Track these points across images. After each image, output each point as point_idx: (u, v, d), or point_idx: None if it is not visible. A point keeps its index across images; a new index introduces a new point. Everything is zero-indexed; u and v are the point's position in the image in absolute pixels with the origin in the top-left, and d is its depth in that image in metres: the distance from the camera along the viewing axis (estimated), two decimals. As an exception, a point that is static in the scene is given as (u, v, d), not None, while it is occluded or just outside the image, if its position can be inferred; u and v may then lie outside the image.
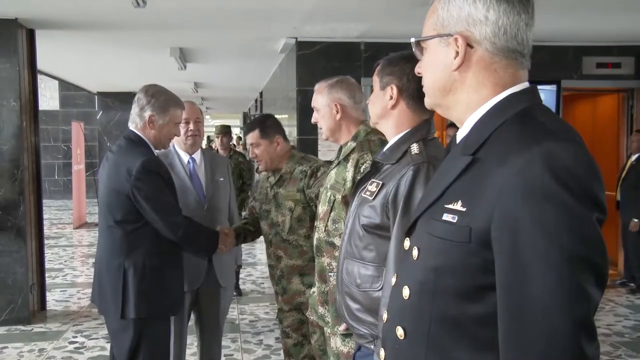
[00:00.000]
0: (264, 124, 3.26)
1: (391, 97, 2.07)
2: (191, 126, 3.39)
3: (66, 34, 6.25)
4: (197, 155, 3.51)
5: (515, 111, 1.15)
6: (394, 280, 1.33)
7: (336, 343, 2.45)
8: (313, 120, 2.86)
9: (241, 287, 6.94)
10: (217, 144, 7.57)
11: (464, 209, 1.10)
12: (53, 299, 6.61)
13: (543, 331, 0.99)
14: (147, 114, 2.90)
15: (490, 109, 1.18)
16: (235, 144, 20.76)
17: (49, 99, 16.91)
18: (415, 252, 1.23)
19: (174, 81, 10.35)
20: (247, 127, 3.37)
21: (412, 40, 1.29)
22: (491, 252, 1.06)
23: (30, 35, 5.90)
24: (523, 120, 1.13)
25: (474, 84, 1.19)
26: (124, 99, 12.96)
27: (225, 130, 7.53)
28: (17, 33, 5.57)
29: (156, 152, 3.01)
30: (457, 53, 1.18)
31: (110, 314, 2.88)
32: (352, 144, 2.59)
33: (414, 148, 1.99)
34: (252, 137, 3.25)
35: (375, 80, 2.13)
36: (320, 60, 6.67)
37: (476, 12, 1.15)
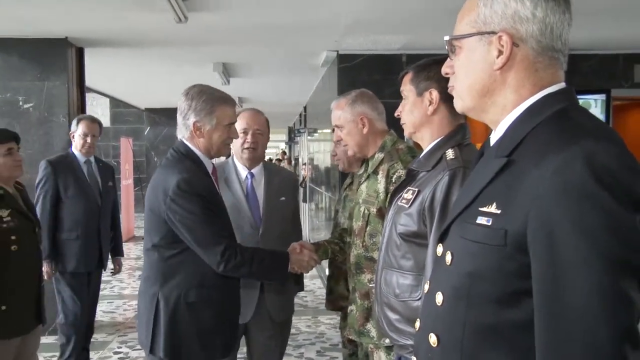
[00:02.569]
0: None
1: (431, 102, 2.02)
2: (249, 137, 2.99)
3: (113, 51, 6.42)
4: (257, 170, 3.11)
5: (552, 111, 1.11)
6: (426, 287, 1.29)
7: (380, 357, 2.41)
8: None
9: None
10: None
11: (499, 212, 1.06)
12: (100, 310, 6.72)
13: (583, 341, 0.93)
14: (191, 120, 2.49)
15: (526, 109, 1.14)
16: (281, 158, 20.94)
17: (100, 115, 17.34)
18: (448, 257, 1.19)
19: (218, 96, 10.50)
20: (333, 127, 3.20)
21: (446, 38, 1.24)
22: (527, 255, 1.02)
23: (80, 54, 6.08)
24: (560, 120, 1.09)
25: (513, 85, 1.15)
26: (170, 115, 13.15)
27: None
28: (66, 51, 5.75)
29: (214, 161, 2.68)
30: (500, 52, 1.14)
31: (142, 345, 2.55)
32: (380, 155, 2.56)
33: (450, 153, 1.95)
34: (337, 133, 3.07)
35: (409, 89, 2.09)
36: (361, 73, 6.64)
37: (523, 9, 1.12)
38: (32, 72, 5.64)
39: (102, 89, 10.25)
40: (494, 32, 1.14)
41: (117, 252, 4.78)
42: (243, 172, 3.08)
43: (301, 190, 13.61)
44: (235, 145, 3.00)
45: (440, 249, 1.24)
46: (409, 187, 2.04)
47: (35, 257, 3.18)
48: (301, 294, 7.44)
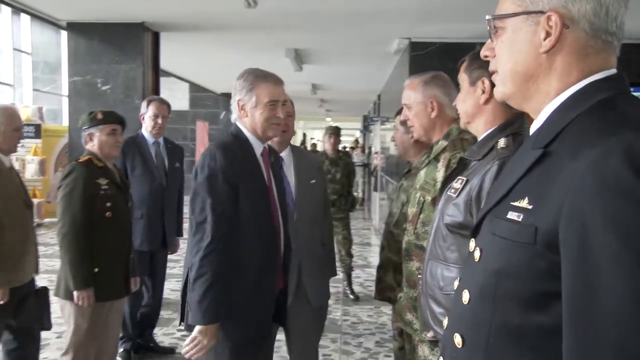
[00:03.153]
0: None
1: (483, 91, 1.94)
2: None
3: (187, 36, 6.56)
4: (286, 154, 3.01)
5: (595, 100, 1.01)
6: (456, 283, 1.23)
7: (424, 351, 2.34)
8: (402, 118, 2.74)
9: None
10: (326, 144, 7.45)
11: (530, 207, 0.99)
12: (168, 288, 6.93)
13: (613, 349, 0.85)
14: (236, 99, 2.47)
15: (568, 97, 1.05)
16: (353, 146, 20.88)
17: (180, 99, 17.88)
18: (477, 254, 1.12)
19: (291, 83, 10.54)
20: (397, 111, 3.12)
21: (488, 17, 1.14)
22: (558, 255, 0.94)
23: (155, 38, 6.24)
24: (602, 109, 0.99)
25: (559, 70, 1.05)
26: (245, 100, 13.43)
27: (337, 132, 7.53)
28: (143, 36, 5.92)
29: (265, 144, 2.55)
30: (548, 33, 1.04)
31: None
32: (444, 143, 2.46)
33: (501, 142, 1.86)
34: (397, 119, 3.09)
35: (463, 77, 2.00)
36: (434, 62, 6.48)
37: None
38: (110, 56, 5.84)
39: (181, 74, 10.54)
40: (542, 12, 1.04)
41: (177, 233, 4.89)
42: None
43: (372, 179, 13.54)
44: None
45: (472, 244, 1.17)
46: (459, 177, 1.96)
47: (127, 228, 3.42)
48: (366, 283, 7.43)
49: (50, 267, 7.81)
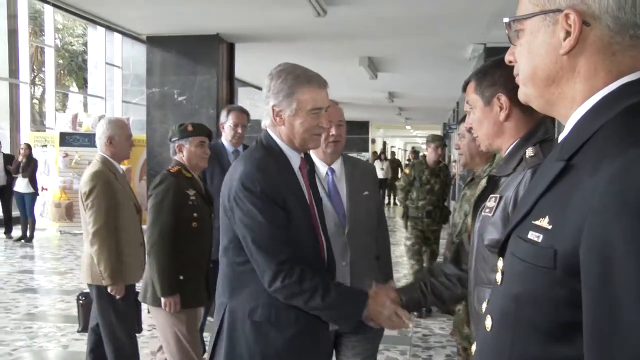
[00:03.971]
0: None
1: (501, 108, 1.80)
2: (333, 130, 2.65)
3: (261, 46, 6.66)
4: (337, 165, 2.79)
5: (625, 105, 0.89)
6: (484, 306, 1.13)
7: None
8: (467, 125, 2.64)
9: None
10: (430, 154, 6.63)
11: (550, 227, 0.88)
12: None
13: None
14: (270, 104, 2.06)
15: (596, 103, 0.94)
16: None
17: (261, 109, 18.21)
18: (499, 276, 1.03)
19: (366, 91, 10.55)
20: (461, 118, 3.00)
21: (506, 20, 1.04)
22: (579, 282, 0.83)
23: (230, 49, 6.37)
24: (631, 116, 0.88)
25: (583, 72, 0.95)
26: (323, 109, 13.49)
27: (443, 142, 7.10)
28: (218, 47, 6.05)
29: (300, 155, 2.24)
30: (568, 33, 0.93)
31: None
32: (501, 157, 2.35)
33: (529, 151, 1.73)
34: (461, 128, 2.95)
35: (474, 99, 1.86)
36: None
37: None
38: (187, 67, 6.01)
39: (259, 84, 10.72)
40: (559, 10, 0.94)
41: None
42: (322, 168, 2.76)
43: (451, 187, 13.24)
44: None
45: (500, 264, 1.07)
46: (491, 195, 1.84)
47: (209, 238, 3.50)
48: (440, 294, 7.23)
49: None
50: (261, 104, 2.13)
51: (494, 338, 1.01)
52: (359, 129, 19.48)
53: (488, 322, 1.03)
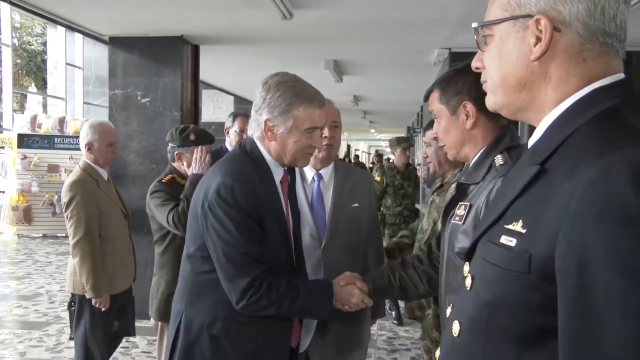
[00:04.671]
0: None
1: (468, 116, 1.80)
2: (325, 131, 2.44)
3: (227, 49, 6.59)
4: (327, 172, 2.55)
5: (599, 110, 0.90)
6: (448, 311, 1.12)
7: None
8: (434, 132, 2.65)
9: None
10: (399, 157, 6.66)
11: (524, 231, 0.88)
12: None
13: None
14: (263, 117, 1.97)
15: (568, 107, 0.94)
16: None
17: (225, 111, 18.05)
18: (468, 281, 1.01)
19: (332, 94, 10.48)
20: (427, 125, 3.00)
21: (475, 25, 1.04)
22: (555, 287, 0.83)
23: (195, 51, 6.29)
24: (605, 120, 0.88)
25: (555, 78, 0.95)
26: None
27: (411, 144, 6.95)
28: (182, 49, 5.96)
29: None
30: (539, 38, 0.94)
31: None
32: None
33: (499, 159, 1.73)
34: (428, 134, 2.92)
35: (439, 108, 1.85)
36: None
37: None
38: (150, 69, 5.91)
39: (223, 86, 10.63)
40: (529, 15, 0.94)
41: None
42: (309, 173, 2.54)
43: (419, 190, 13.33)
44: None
45: (466, 268, 1.06)
46: (460, 203, 1.84)
47: None
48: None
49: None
50: (252, 112, 2.05)
51: (462, 344, 1.00)
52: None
53: (456, 327, 1.02)
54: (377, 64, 7.99)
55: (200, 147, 3.32)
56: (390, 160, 7.58)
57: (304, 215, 2.44)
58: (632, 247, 0.74)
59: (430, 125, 2.91)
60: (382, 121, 21.69)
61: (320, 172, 2.55)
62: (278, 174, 2.06)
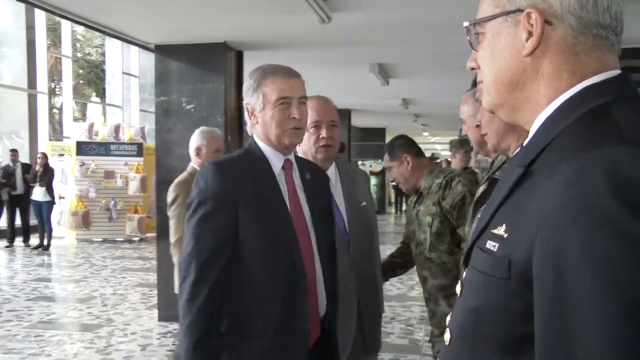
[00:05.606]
0: (392, 146, 3.04)
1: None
2: (323, 132, 2.39)
3: (269, 54, 6.65)
4: (331, 172, 2.46)
5: (588, 108, 0.85)
6: (448, 319, 1.09)
7: None
8: (463, 133, 2.61)
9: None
10: (457, 160, 6.46)
11: (506, 235, 0.85)
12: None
13: None
14: (244, 103, 1.99)
15: (559, 106, 0.89)
16: (450, 160, 20.40)
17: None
18: (459, 288, 0.99)
19: (379, 98, 10.50)
20: (384, 151, 3.09)
21: (466, 24, 1.00)
22: (533, 293, 0.79)
23: (239, 56, 6.38)
24: (593, 118, 0.84)
25: (547, 75, 0.91)
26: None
27: (470, 147, 6.84)
28: (225, 55, 6.06)
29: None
30: (530, 33, 0.90)
31: None
32: (503, 158, 2.30)
33: None
34: (385, 161, 3.05)
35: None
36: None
37: None
38: (194, 76, 6.02)
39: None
40: (520, 10, 0.90)
41: None
42: None
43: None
44: (305, 144, 2.40)
45: (463, 275, 1.03)
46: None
47: None
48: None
49: (144, 280, 8.15)
50: None
51: (453, 352, 0.97)
52: (375, 135, 19.39)
53: (447, 336, 0.99)
54: (424, 67, 7.91)
55: None
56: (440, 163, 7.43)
57: None
58: (609, 248, 0.70)
59: (383, 152, 3.06)
60: (435, 124, 21.41)
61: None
62: (277, 163, 1.98)
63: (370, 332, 2.55)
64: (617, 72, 0.90)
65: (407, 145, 3.06)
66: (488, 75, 0.98)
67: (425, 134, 26.09)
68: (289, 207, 1.93)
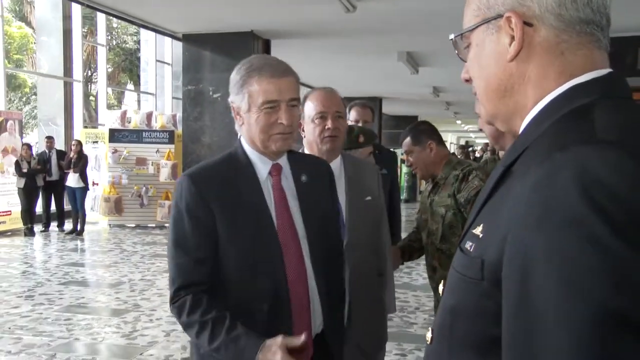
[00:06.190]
0: (416, 130, 2.99)
1: None
2: (329, 123, 2.29)
3: (296, 42, 6.66)
4: (336, 165, 2.36)
5: (571, 108, 0.83)
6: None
7: None
8: (479, 127, 2.57)
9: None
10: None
11: (481, 235, 0.84)
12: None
13: None
14: (230, 100, 1.76)
15: (544, 106, 0.87)
16: (484, 149, 20.12)
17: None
18: (441, 287, 0.99)
19: (410, 86, 10.41)
20: (402, 135, 3.04)
21: (452, 36, 0.99)
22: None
23: (266, 45, 6.39)
24: (573, 118, 0.82)
25: (534, 77, 0.88)
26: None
27: None
28: (252, 43, 6.08)
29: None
30: (513, 37, 0.88)
31: None
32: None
33: None
34: (405, 144, 2.98)
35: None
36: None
37: None
38: (221, 64, 6.05)
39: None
40: (500, 15, 0.88)
41: None
42: None
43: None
44: (310, 135, 2.32)
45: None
46: None
47: None
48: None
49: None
50: None
51: (433, 352, 0.97)
52: (407, 123, 18.99)
53: (428, 335, 0.99)
54: (454, 55, 7.79)
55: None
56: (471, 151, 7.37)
57: None
58: (575, 251, 0.69)
59: (405, 135, 2.96)
60: (467, 112, 21.16)
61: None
62: (263, 169, 1.76)
63: (360, 330, 2.31)
64: (607, 71, 0.87)
65: (431, 132, 3.00)
66: (480, 84, 0.96)
67: (459, 122, 25.83)
68: (274, 219, 1.72)
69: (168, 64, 16.71)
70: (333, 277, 1.85)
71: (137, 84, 21.49)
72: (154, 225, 12.07)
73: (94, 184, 11.86)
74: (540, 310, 0.71)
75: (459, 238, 2.91)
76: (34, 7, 16.44)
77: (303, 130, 2.31)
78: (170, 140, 11.81)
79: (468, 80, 1.02)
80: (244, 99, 1.68)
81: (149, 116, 12.20)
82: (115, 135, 11.89)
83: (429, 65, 8.47)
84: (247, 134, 1.72)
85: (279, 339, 1.60)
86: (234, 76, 1.72)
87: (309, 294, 1.75)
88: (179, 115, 12.37)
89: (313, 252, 1.78)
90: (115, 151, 11.82)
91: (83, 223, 10.87)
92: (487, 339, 0.83)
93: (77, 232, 10.78)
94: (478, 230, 0.85)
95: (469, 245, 0.87)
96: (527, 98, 0.90)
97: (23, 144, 10.93)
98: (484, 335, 0.83)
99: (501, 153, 2.92)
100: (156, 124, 12.13)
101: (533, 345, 0.72)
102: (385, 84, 10.51)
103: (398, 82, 8.78)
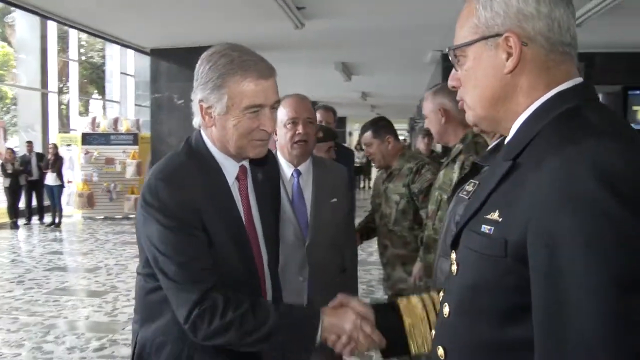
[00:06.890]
0: (377, 125, 3.00)
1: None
2: (299, 128, 2.09)
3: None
4: (305, 167, 2.18)
5: (561, 110, 0.87)
6: (441, 295, 1.06)
7: None
8: (425, 126, 2.58)
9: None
10: (420, 145, 6.00)
11: (500, 219, 0.85)
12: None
13: None
14: (197, 98, 1.34)
15: (535, 109, 0.91)
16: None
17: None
18: (454, 267, 0.97)
19: (343, 91, 10.45)
20: (362, 129, 3.02)
21: (448, 49, 0.99)
22: (527, 268, 0.79)
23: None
24: (567, 118, 0.86)
25: (525, 88, 0.91)
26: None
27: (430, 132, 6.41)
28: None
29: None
30: (510, 54, 0.90)
31: None
32: (460, 146, 2.28)
33: None
34: (366, 137, 2.97)
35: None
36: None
37: (526, 7, 0.89)
38: (184, 75, 5.87)
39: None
40: (499, 34, 0.90)
41: None
42: (288, 170, 2.16)
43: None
44: (282, 139, 2.13)
45: (453, 256, 1.01)
46: (471, 180, 1.76)
47: None
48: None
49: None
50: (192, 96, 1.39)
51: (452, 324, 0.95)
52: (338, 124, 19.40)
53: (446, 310, 0.97)
54: (381, 65, 7.88)
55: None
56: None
57: (286, 214, 2.07)
58: (595, 229, 0.71)
59: (366, 129, 2.94)
60: (388, 113, 21.36)
61: (298, 168, 2.19)
62: (230, 170, 1.41)
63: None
64: (580, 79, 0.92)
65: (389, 128, 2.98)
66: (473, 92, 0.97)
67: (380, 122, 26.18)
68: (242, 218, 1.41)
69: (131, 75, 16.14)
70: (275, 265, 1.57)
71: (102, 93, 20.67)
72: (121, 216, 11.70)
73: (69, 181, 11.43)
74: (568, 282, 0.73)
75: (410, 222, 2.90)
76: (14, 29, 15.58)
77: (276, 134, 2.12)
78: (135, 142, 11.53)
79: (455, 87, 1.01)
80: (221, 100, 1.29)
81: (115, 121, 11.88)
82: (86, 139, 11.50)
83: (360, 73, 8.52)
84: (219, 136, 1.35)
85: (345, 301, 1.34)
86: (207, 71, 1.31)
87: (266, 284, 1.49)
88: (142, 119, 12.01)
89: (268, 246, 1.50)
90: (87, 152, 11.42)
91: (60, 216, 10.50)
92: (510, 307, 0.83)
93: (55, 225, 10.40)
94: (495, 216, 0.86)
95: (486, 228, 0.87)
96: (518, 105, 0.92)
97: (7, 149, 10.59)
98: (508, 303, 0.84)
99: (437, 146, 2.95)
100: (122, 128, 11.78)
101: (564, 313, 0.73)
102: (323, 90, 10.53)
103: (333, 88, 8.81)
